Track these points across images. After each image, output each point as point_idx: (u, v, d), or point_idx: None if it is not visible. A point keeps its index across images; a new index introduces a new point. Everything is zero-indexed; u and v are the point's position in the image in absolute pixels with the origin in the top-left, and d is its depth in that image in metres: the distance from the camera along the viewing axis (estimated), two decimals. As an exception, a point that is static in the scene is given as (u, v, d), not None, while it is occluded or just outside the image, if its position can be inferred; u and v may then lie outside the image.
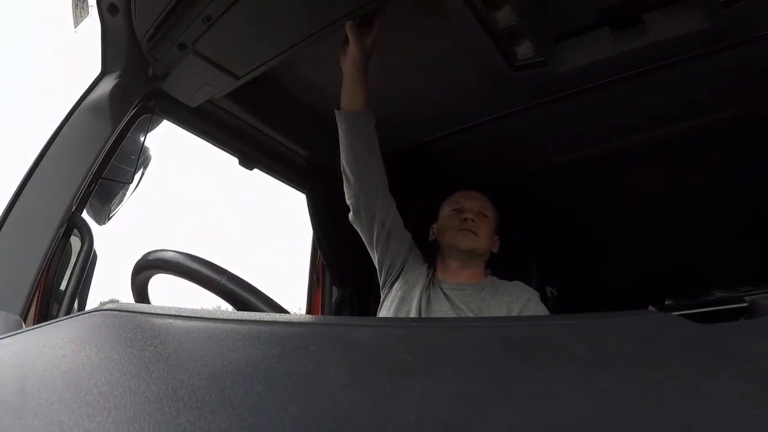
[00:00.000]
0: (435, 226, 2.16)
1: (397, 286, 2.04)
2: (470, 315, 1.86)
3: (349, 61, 1.67)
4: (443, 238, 2.06)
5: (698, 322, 0.49)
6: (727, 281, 2.75)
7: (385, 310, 2.02)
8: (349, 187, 1.87)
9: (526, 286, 2.02)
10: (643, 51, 1.82)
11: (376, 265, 2.09)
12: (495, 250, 2.14)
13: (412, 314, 1.90)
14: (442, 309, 1.92)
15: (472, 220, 2.02)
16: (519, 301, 1.91)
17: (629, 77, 1.99)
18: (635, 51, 1.82)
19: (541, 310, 1.94)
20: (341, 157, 1.84)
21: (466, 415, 0.40)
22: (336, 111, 1.80)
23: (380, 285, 2.12)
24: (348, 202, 1.91)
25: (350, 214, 1.94)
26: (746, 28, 1.74)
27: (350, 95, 1.75)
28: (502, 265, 2.17)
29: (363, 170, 1.84)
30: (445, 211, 2.13)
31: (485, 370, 0.47)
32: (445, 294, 1.97)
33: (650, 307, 0.56)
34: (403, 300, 1.98)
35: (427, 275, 2.05)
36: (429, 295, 1.97)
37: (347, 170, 1.85)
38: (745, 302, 0.53)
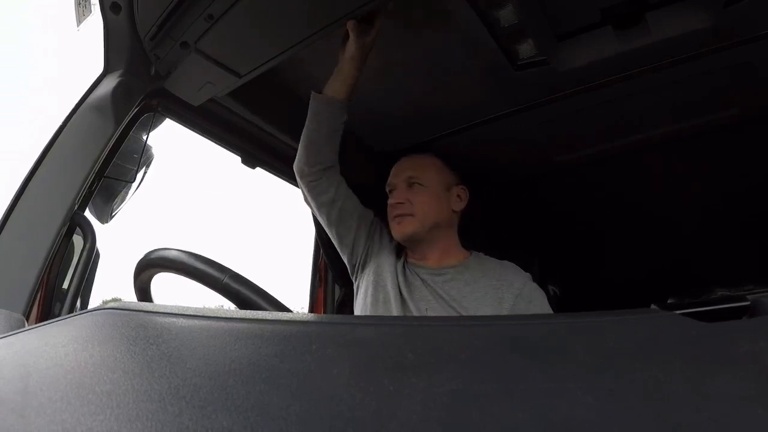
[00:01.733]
0: None
1: (367, 271, 1.95)
2: (453, 304, 1.76)
3: (347, 57, 1.67)
4: None
5: (700, 321, 0.49)
6: (730, 280, 2.75)
7: (360, 301, 1.94)
8: (298, 158, 1.82)
9: (518, 268, 1.88)
10: (646, 50, 1.82)
11: (343, 256, 2.01)
12: (457, 207, 1.98)
13: (392, 303, 1.81)
14: (422, 297, 1.81)
15: (400, 203, 1.89)
16: (511, 289, 1.76)
17: (632, 76, 1.99)
18: (638, 50, 1.82)
19: (537, 295, 1.79)
20: (300, 138, 1.80)
21: (469, 413, 0.40)
22: (313, 93, 1.77)
23: (351, 275, 2.03)
24: (296, 170, 1.85)
25: (304, 192, 1.89)
26: (749, 26, 1.74)
27: (335, 85, 1.73)
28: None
29: (314, 151, 1.79)
30: None
31: (488, 368, 0.47)
32: (422, 279, 1.85)
33: (652, 306, 0.56)
34: (378, 287, 1.88)
35: (400, 258, 1.94)
36: (407, 281, 1.85)
37: (300, 147, 1.81)
38: (748, 301, 0.54)
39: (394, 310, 1.78)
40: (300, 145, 1.81)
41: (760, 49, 1.82)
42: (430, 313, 1.74)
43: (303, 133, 1.79)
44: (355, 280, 2.02)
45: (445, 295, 1.78)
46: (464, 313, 1.70)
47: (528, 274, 1.86)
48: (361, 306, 1.92)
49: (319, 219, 1.94)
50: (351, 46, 1.64)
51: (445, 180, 1.98)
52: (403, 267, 1.90)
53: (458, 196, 1.99)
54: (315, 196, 1.85)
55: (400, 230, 1.88)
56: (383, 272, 1.90)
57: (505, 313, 1.69)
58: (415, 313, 1.75)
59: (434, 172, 1.97)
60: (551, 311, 1.77)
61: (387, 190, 2.00)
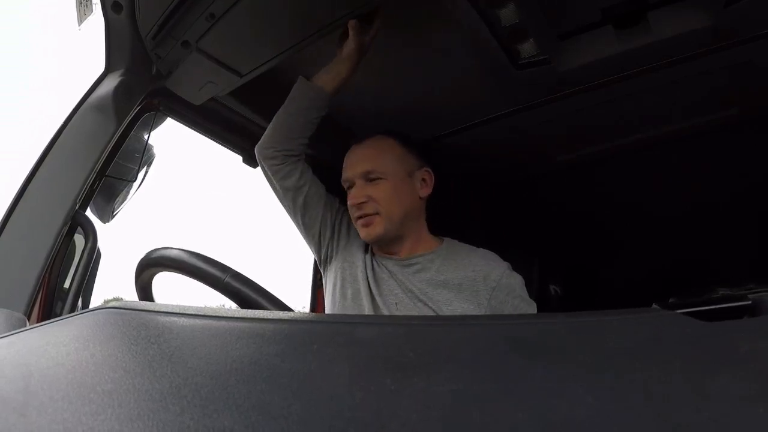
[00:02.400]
0: None
1: (335, 266, 1.84)
2: (423, 297, 1.64)
3: (344, 55, 1.67)
4: None
5: (702, 320, 0.49)
6: (731, 279, 2.75)
7: (329, 297, 1.83)
8: (264, 139, 1.76)
9: (494, 256, 1.73)
10: (647, 49, 1.82)
11: (310, 248, 1.91)
12: (423, 193, 1.79)
13: (362, 299, 1.71)
14: (391, 291, 1.69)
15: (362, 202, 1.70)
16: (488, 281, 1.62)
17: (633, 75, 1.99)
18: (639, 49, 1.82)
19: (516, 285, 1.66)
20: (273, 118, 1.76)
21: (470, 413, 0.40)
22: (300, 77, 1.73)
23: (320, 268, 1.92)
24: (258, 151, 1.78)
25: (272, 176, 1.78)
26: (749, 26, 1.74)
27: (326, 78, 1.71)
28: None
29: (284, 136, 1.74)
30: None
31: (489, 368, 0.47)
32: (390, 272, 1.73)
33: (654, 305, 0.56)
34: (345, 282, 1.77)
35: (367, 249, 1.82)
36: (375, 275, 1.74)
37: (269, 128, 1.76)
38: (749, 300, 0.54)
39: (365, 305, 1.70)
40: (269, 126, 1.77)
41: (761, 48, 1.82)
42: (401, 308, 1.66)
43: (277, 114, 1.75)
44: (324, 274, 1.91)
45: (415, 288, 1.67)
46: (434, 306, 1.63)
47: (506, 263, 1.71)
48: (330, 302, 1.83)
49: (284, 205, 1.84)
50: (350, 45, 1.64)
51: (407, 165, 1.78)
52: (371, 260, 1.79)
53: (423, 180, 1.80)
54: (279, 179, 1.77)
55: (368, 233, 1.72)
56: (351, 267, 1.79)
57: (482, 305, 1.61)
58: (384, 309, 1.67)
59: (393, 160, 1.76)
60: (530, 299, 1.69)
61: (344, 186, 1.81)
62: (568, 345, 0.50)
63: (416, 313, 1.63)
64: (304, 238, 1.89)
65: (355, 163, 1.77)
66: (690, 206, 2.92)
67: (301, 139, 1.75)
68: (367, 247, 1.83)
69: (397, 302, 1.68)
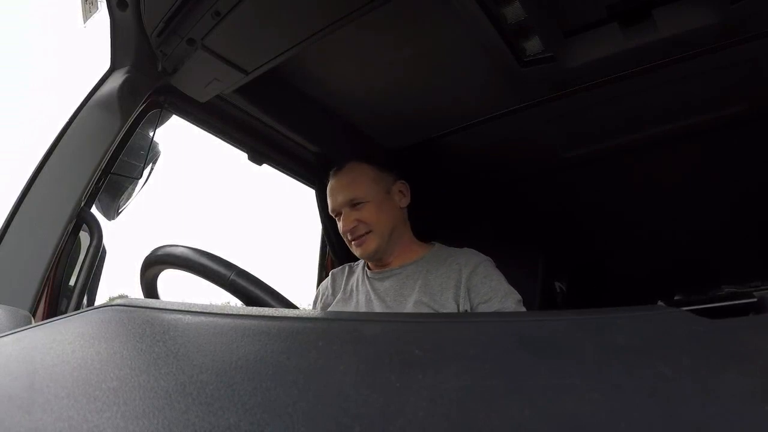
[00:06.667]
0: None
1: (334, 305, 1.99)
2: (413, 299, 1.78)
3: None
4: None
5: (707, 318, 0.49)
6: (736, 276, 2.75)
7: None
8: None
9: (477, 252, 1.86)
10: (653, 46, 1.82)
11: None
12: (403, 204, 1.96)
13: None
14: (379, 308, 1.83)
15: (353, 227, 1.86)
16: (467, 267, 1.76)
17: (639, 73, 1.99)
18: (645, 46, 1.81)
19: (493, 272, 1.78)
20: None
21: (475, 410, 0.40)
22: None
23: None
24: None
25: None
26: (756, 22, 1.74)
27: None
28: (508, 260, 2.11)
29: None
30: None
31: (494, 365, 0.47)
32: (373, 288, 1.90)
33: (659, 302, 0.56)
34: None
35: (358, 277, 2.00)
36: (367, 296, 1.89)
37: None
38: (754, 297, 0.54)
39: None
40: None
41: (767, 45, 1.81)
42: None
43: None
44: None
45: (394, 301, 1.81)
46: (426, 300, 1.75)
47: (488, 258, 1.84)
48: None
49: None
50: None
51: (383, 184, 1.94)
52: (364, 280, 1.95)
53: (400, 192, 1.97)
54: None
55: (365, 250, 1.87)
56: (350, 300, 1.94)
57: (461, 290, 1.74)
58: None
59: (370, 184, 1.90)
60: (509, 286, 1.76)
61: (333, 215, 1.96)
62: (574, 342, 0.50)
63: None
64: None
65: (337, 194, 1.91)
66: (697, 203, 2.91)
67: None
68: (358, 276, 1.99)
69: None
